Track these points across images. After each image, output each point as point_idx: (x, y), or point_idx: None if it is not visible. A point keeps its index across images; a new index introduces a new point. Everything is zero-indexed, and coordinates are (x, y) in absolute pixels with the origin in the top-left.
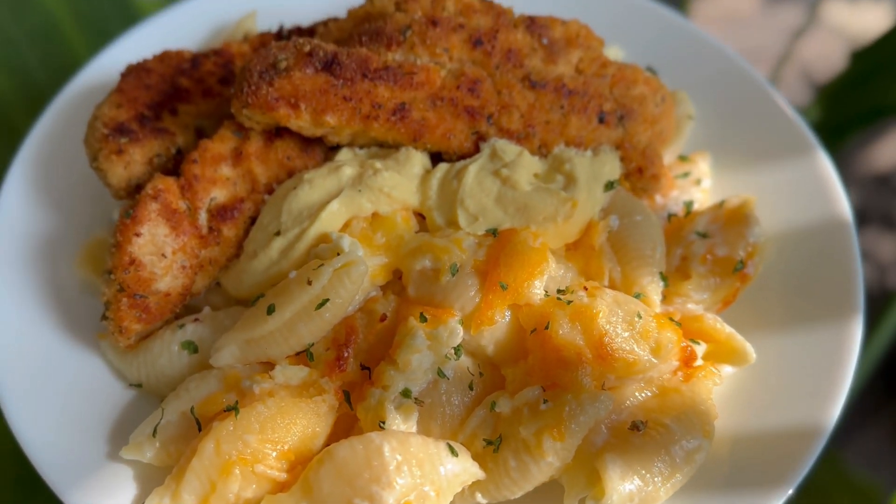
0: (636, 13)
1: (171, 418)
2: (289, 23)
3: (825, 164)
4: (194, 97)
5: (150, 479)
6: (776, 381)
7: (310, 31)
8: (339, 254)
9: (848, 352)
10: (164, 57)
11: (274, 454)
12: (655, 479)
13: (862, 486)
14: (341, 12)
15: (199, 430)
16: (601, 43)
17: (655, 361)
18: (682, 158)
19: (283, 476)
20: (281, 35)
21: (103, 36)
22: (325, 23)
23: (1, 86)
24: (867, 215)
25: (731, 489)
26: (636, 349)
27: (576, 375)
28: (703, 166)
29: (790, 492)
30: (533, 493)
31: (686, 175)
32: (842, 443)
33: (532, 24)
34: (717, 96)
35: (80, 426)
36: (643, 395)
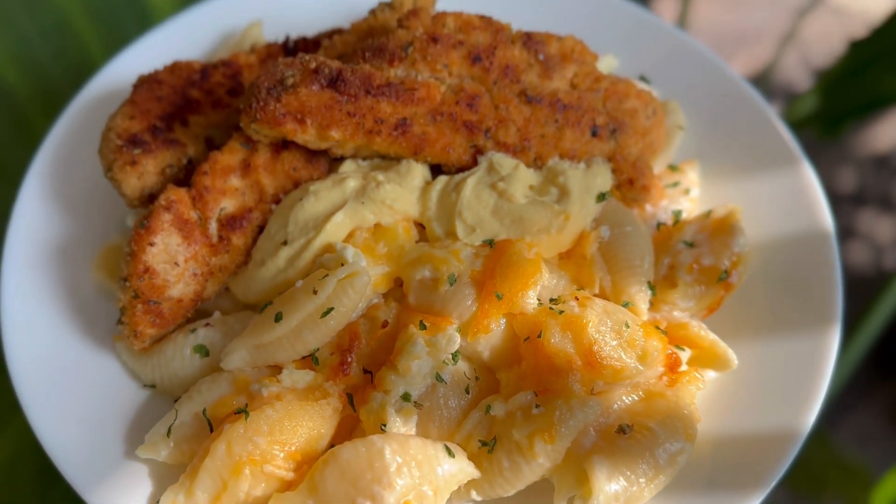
0: (631, 24)
1: (184, 419)
2: (293, 31)
3: (810, 176)
4: (204, 108)
5: (165, 476)
6: (756, 387)
7: (315, 43)
8: (343, 264)
9: (825, 360)
10: (174, 68)
11: (281, 455)
12: (640, 479)
13: (852, 466)
14: (343, 19)
15: (211, 430)
16: (595, 58)
17: (642, 368)
18: (672, 168)
19: (290, 475)
20: (287, 46)
21: (115, 30)
22: (329, 35)
23: (15, 81)
24: (865, 196)
25: (711, 490)
26: (623, 357)
27: (566, 381)
28: (691, 176)
29: (767, 492)
30: (525, 492)
31: (675, 185)
32: (834, 422)
33: (529, 40)
34: (708, 106)
35: (97, 425)
36: (630, 399)
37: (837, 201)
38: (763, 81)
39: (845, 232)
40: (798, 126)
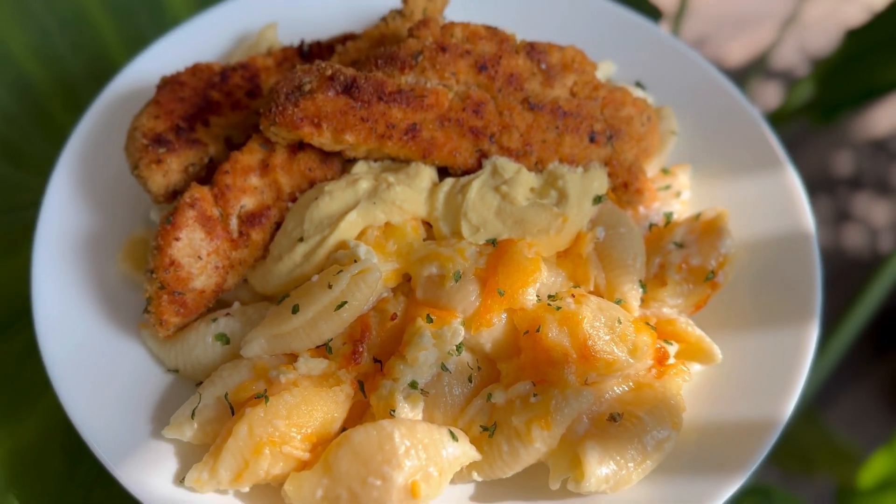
0: (630, 31)
1: (207, 402)
2: (306, 32)
3: (794, 179)
4: (224, 109)
5: (189, 455)
6: (739, 379)
7: (329, 48)
8: (356, 260)
9: (803, 354)
10: (195, 70)
11: (298, 437)
12: (629, 464)
13: (842, 447)
14: (354, 22)
15: (233, 413)
16: (594, 67)
17: (632, 361)
18: (665, 171)
19: (306, 456)
20: (302, 50)
21: (130, 23)
22: (342, 40)
23: (37, 73)
24: (862, 180)
25: (695, 474)
26: (615, 350)
27: (562, 373)
28: (683, 179)
29: (746, 477)
30: (522, 474)
31: (667, 187)
32: (828, 401)
33: (532, 50)
34: (700, 111)
35: (125, 407)
36: (621, 389)
37: (834, 185)
38: (763, 65)
39: (842, 215)
40: (794, 113)
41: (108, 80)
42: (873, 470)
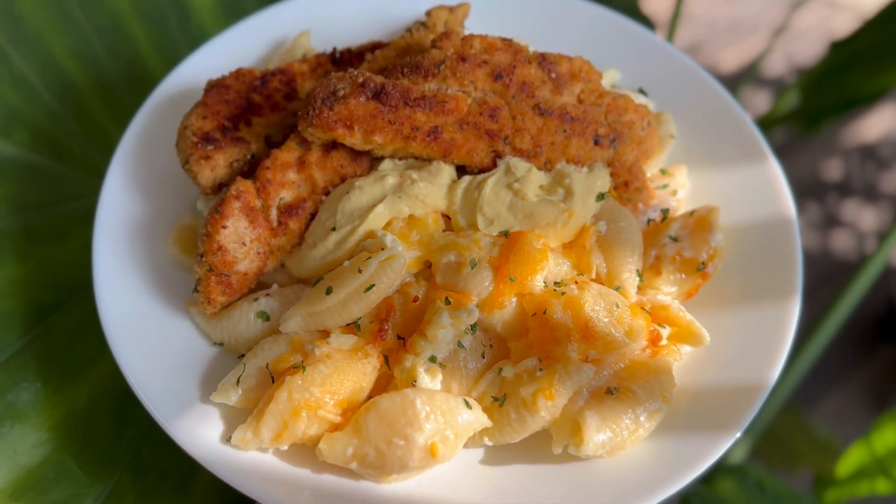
0: (634, 42)
1: (250, 371)
2: (336, 38)
3: (777, 172)
4: (264, 111)
5: (234, 418)
6: (727, 355)
7: (358, 55)
8: (382, 248)
9: (787, 326)
10: (238, 75)
11: (331, 402)
12: (623, 432)
13: (824, 441)
14: (380, 29)
15: (273, 381)
16: (600, 76)
17: (628, 341)
18: (663, 172)
19: (338, 419)
20: (334, 57)
21: (161, 28)
22: (371, 49)
23: (78, 77)
24: (850, 187)
25: (686, 438)
26: (613, 332)
27: (565, 350)
28: (679, 178)
29: (735, 438)
30: (528, 439)
31: (665, 186)
32: (815, 401)
33: (543, 60)
34: (696, 115)
35: (176, 374)
36: (617, 366)
37: (824, 190)
38: (754, 73)
39: (830, 220)
40: (780, 121)
41: (142, 82)
42: (850, 460)
